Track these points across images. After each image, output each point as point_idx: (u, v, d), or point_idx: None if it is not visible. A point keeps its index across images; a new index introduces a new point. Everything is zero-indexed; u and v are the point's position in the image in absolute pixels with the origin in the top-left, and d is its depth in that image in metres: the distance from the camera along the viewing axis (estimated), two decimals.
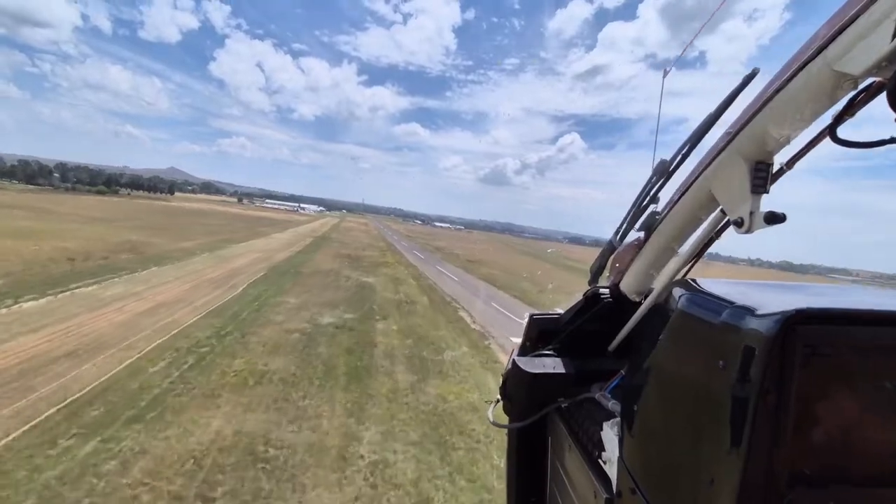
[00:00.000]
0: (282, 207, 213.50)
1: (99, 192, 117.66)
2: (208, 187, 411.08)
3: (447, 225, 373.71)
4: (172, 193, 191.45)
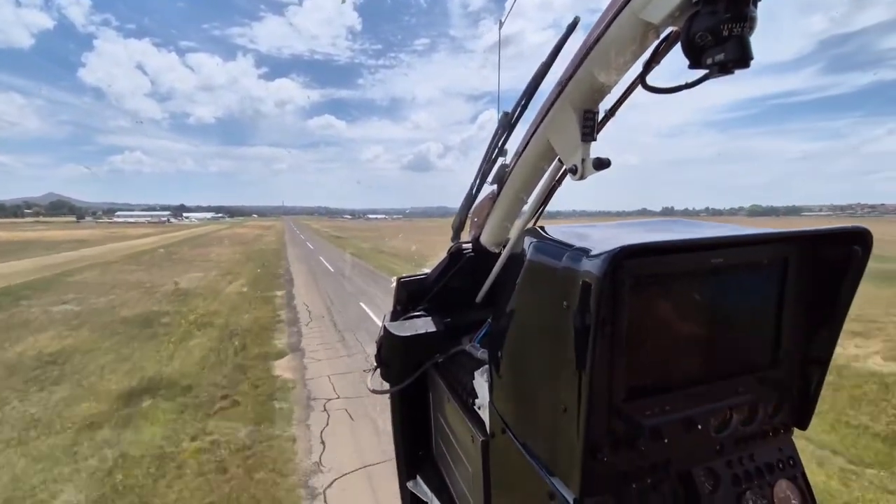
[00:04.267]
0: (135, 221, 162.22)
1: None
2: (60, 206, 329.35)
3: (382, 216, 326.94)
4: None
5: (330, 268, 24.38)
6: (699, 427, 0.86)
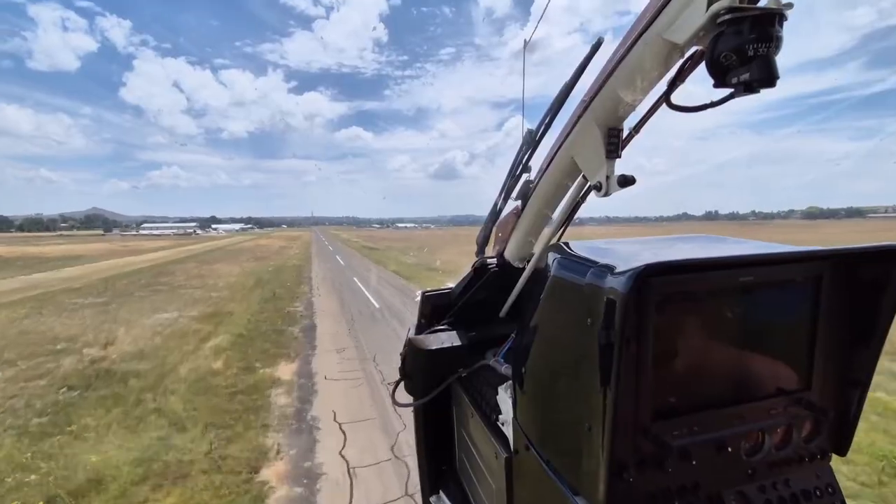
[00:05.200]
0: (160, 233, 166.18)
1: None
2: (94, 220, 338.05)
3: (411, 224, 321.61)
4: None
5: (372, 300, 15.78)
6: (729, 449, 0.85)
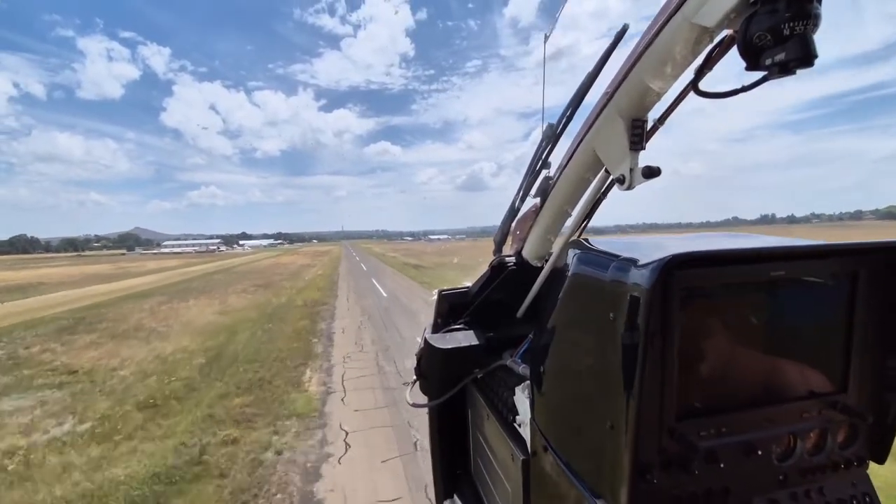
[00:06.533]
0: (181, 251, 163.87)
1: None
2: (125, 239, 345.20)
3: (445, 236, 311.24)
4: None
5: None
6: (759, 453, 0.80)
